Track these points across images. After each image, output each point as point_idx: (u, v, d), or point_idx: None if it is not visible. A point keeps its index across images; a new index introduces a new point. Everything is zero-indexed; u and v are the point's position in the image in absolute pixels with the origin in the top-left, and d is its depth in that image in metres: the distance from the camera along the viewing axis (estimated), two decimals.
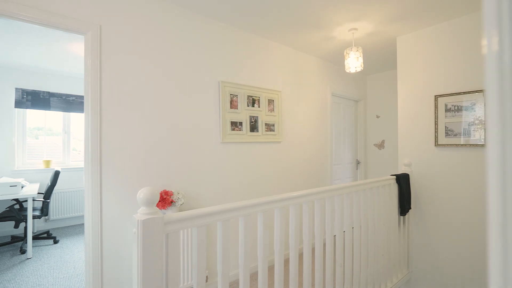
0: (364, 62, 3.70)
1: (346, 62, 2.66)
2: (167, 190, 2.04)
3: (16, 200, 3.29)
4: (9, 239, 3.57)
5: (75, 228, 4.06)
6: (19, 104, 3.83)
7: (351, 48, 2.59)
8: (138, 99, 1.98)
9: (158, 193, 0.91)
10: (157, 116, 2.06)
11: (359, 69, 2.64)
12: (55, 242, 3.48)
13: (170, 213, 1.05)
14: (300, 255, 3.06)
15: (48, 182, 4.08)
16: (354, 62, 2.60)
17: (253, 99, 2.69)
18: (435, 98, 2.55)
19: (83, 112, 4.34)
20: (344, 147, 4.05)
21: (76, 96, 4.29)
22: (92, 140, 1.76)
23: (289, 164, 3.06)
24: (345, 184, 1.73)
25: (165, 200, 1.93)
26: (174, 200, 1.97)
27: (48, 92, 4.06)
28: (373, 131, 4.29)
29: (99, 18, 1.82)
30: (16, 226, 3.24)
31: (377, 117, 4.23)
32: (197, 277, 1.04)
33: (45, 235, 3.72)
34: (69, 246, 3.37)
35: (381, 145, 4.18)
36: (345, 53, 2.66)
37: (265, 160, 2.81)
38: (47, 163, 4.06)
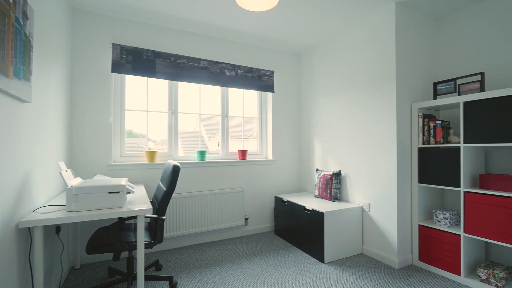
0: None
1: None
2: None
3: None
4: (105, 274, 2.30)
5: (187, 253, 2.66)
6: (116, 67, 2.59)
7: None
8: None
9: None
10: None
11: None
12: (172, 286, 2.08)
13: None
14: None
15: (153, 183, 2.78)
16: None
17: None
18: None
19: (196, 82, 2.95)
20: None
21: (188, 58, 2.92)
22: None
23: None
24: None
25: None
26: None
27: (153, 51, 2.76)
28: None
29: None
30: (116, 258, 1.91)
31: None
32: None
33: (154, 268, 2.38)
34: None
35: None
36: None
37: None
38: (151, 155, 2.77)
